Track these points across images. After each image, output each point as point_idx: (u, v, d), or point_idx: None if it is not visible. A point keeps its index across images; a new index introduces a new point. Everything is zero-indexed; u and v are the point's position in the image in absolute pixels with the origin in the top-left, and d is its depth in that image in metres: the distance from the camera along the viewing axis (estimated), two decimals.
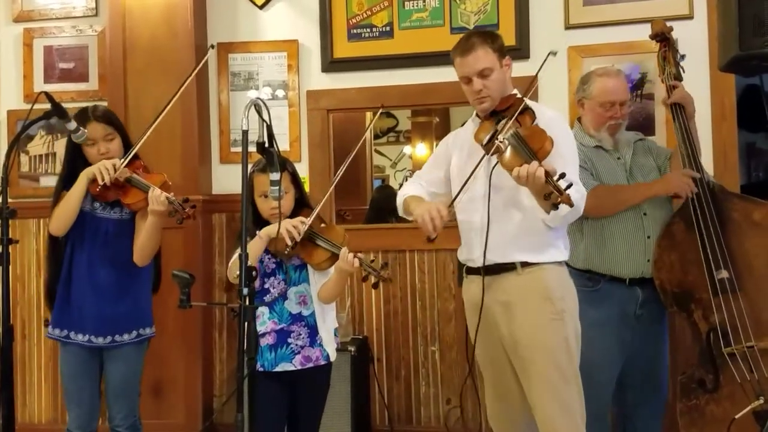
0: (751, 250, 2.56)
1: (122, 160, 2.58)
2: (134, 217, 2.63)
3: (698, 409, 2.62)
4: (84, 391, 2.61)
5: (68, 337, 2.58)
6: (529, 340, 2.26)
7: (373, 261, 2.39)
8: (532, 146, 2.14)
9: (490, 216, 2.27)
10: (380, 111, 2.85)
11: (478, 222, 2.32)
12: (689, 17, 3.26)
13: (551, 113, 2.38)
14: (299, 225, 2.38)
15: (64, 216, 2.53)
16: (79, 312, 2.57)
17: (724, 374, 2.56)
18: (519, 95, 2.35)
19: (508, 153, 2.18)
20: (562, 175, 2.03)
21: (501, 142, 2.20)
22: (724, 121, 3.27)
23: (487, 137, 2.27)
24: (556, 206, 2.03)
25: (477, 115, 2.43)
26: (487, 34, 2.41)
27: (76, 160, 2.61)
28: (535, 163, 2.06)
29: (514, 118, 2.24)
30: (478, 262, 2.33)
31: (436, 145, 7.09)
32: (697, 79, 3.11)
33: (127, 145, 2.65)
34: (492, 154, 2.23)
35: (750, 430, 2.41)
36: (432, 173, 2.56)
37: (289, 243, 2.35)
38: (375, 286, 2.39)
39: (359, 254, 2.38)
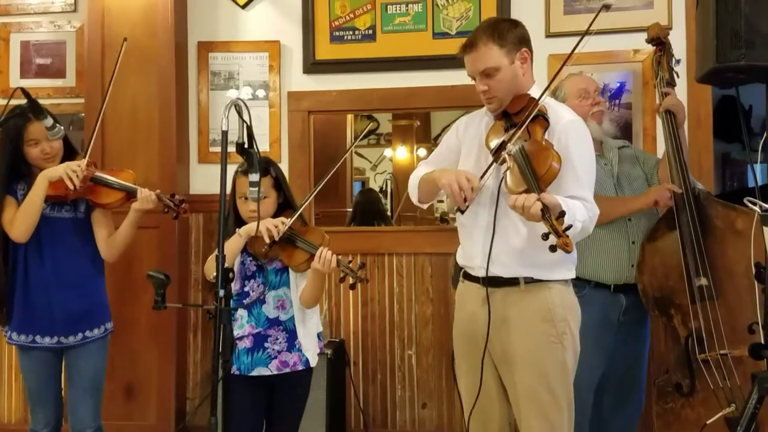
0: (732, 258, 2.58)
1: (85, 159, 2.57)
2: (89, 214, 2.64)
3: (674, 413, 2.65)
4: (50, 392, 2.62)
5: (34, 342, 2.55)
6: (524, 361, 2.12)
7: (350, 262, 2.38)
8: (536, 169, 1.95)
9: (495, 226, 2.10)
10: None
11: (482, 229, 2.16)
12: (668, 28, 3.30)
13: (569, 117, 2.16)
14: (279, 225, 2.37)
15: (29, 221, 2.48)
16: (45, 315, 2.54)
17: (700, 380, 2.59)
18: (534, 96, 2.11)
19: (512, 172, 2.01)
20: (562, 213, 1.84)
21: (508, 154, 2.02)
22: (700, 130, 3.31)
23: (496, 145, 2.09)
24: (553, 249, 1.82)
25: None
26: (495, 27, 2.14)
27: (16, 161, 2.54)
28: (533, 196, 1.88)
29: (524, 127, 2.04)
30: (478, 272, 2.18)
31: (417, 149, 7.17)
32: (675, 88, 3.15)
33: (68, 146, 2.62)
34: (500, 164, 2.06)
35: None
36: (441, 161, 2.36)
37: (267, 240, 2.34)
38: (352, 287, 2.38)
39: (337, 255, 2.37)
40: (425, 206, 2.43)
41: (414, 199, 2.38)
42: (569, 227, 1.83)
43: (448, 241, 3.66)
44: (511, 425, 2.26)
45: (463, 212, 2.09)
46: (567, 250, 1.81)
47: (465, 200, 2.05)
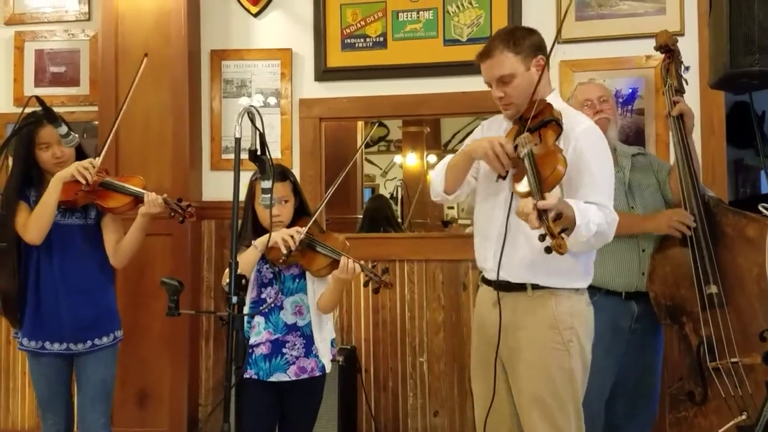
0: (742, 266, 2.56)
1: (98, 158, 2.58)
2: (99, 220, 2.65)
3: (687, 421, 2.63)
4: (61, 398, 2.62)
5: (43, 348, 2.56)
6: (529, 366, 2.15)
7: (374, 266, 2.41)
8: (541, 172, 1.96)
9: (507, 230, 2.11)
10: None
11: (495, 233, 2.18)
12: (680, 34, 3.29)
13: (586, 125, 2.18)
14: (295, 234, 2.38)
15: (43, 224, 2.49)
16: (54, 321, 2.54)
17: (712, 388, 2.57)
18: (551, 102, 2.14)
19: (519, 175, 2.03)
20: (559, 216, 1.85)
21: (520, 158, 2.03)
22: (713, 136, 3.29)
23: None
24: (548, 250, 1.84)
25: None
26: (511, 35, 2.20)
27: (29, 166, 2.56)
28: (529, 202, 1.89)
29: (535, 131, 2.06)
30: (490, 275, 2.22)
31: (427, 155, 7.17)
32: (688, 94, 3.13)
33: (81, 154, 2.64)
34: (513, 166, 2.09)
35: None
36: None
37: (284, 251, 2.35)
38: (376, 291, 2.42)
39: (359, 261, 2.39)
40: (451, 197, 2.34)
41: (440, 189, 2.33)
42: (564, 230, 1.85)
43: (459, 247, 3.67)
44: (520, 430, 2.25)
45: (504, 178, 2.09)
46: (560, 251, 1.82)
47: (503, 165, 2.06)
